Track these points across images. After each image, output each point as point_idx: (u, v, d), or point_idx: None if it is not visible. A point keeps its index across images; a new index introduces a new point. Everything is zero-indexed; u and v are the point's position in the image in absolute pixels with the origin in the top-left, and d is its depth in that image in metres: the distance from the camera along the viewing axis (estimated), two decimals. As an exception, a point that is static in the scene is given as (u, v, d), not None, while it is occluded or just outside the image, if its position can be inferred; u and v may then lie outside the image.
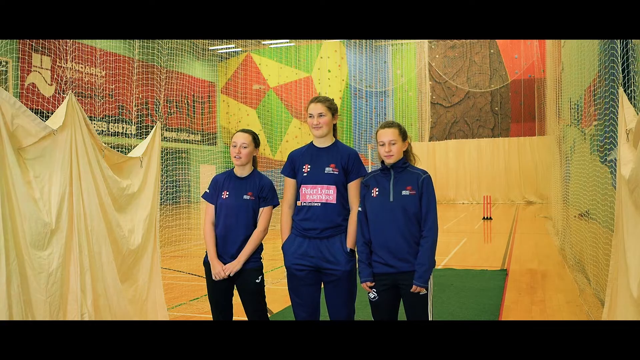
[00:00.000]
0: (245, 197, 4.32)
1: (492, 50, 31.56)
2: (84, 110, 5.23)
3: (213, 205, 4.40)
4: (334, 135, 4.19)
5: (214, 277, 4.27)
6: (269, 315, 4.46)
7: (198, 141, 32.83)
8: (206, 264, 4.39)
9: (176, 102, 30.87)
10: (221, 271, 4.22)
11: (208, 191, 4.46)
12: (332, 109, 4.13)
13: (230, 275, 4.25)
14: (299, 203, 4.09)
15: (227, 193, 4.35)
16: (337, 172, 4.01)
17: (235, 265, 4.23)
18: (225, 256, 4.28)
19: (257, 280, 4.28)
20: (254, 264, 4.30)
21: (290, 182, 4.14)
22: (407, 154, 3.99)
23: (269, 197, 4.37)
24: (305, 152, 4.15)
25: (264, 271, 4.39)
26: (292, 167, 4.14)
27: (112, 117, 22.51)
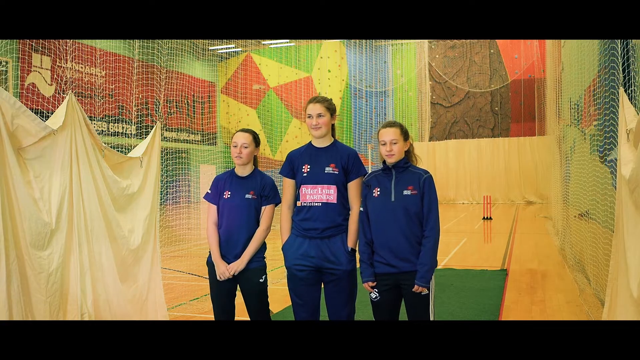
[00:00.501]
0: (247, 196, 4.33)
1: (492, 50, 31.56)
2: (84, 110, 5.24)
3: (215, 206, 4.40)
4: (333, 135, 4.19)
5: (218, 278, 4.27)
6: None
7: (198, 141, 32.84)
8: (210, 264, 4.39)
9: (176, 102, 30.88)
10: (225, 271, 4.23)
11: (209, 192, 4.46)
12: (331, 109, 4.13)
13: (235, 274, 4.25)
14: (298, 203, 4.08)
15: (229, 193, 4.36)
16: (337, 172, 4.01)
17: (239, 264, 4.24)
18: (229, 256, 4.29)
19: (260, 280, 4.29)
20: (257, 263, 4.30)
21: (289, 183, 4.14)
22: (409, 154, 3.99)
23: (271, 195, 4.39)
24: (304, 152, 4.15)
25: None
26: (290, 167, 4.14)
27: (112, 117, 22.52)
